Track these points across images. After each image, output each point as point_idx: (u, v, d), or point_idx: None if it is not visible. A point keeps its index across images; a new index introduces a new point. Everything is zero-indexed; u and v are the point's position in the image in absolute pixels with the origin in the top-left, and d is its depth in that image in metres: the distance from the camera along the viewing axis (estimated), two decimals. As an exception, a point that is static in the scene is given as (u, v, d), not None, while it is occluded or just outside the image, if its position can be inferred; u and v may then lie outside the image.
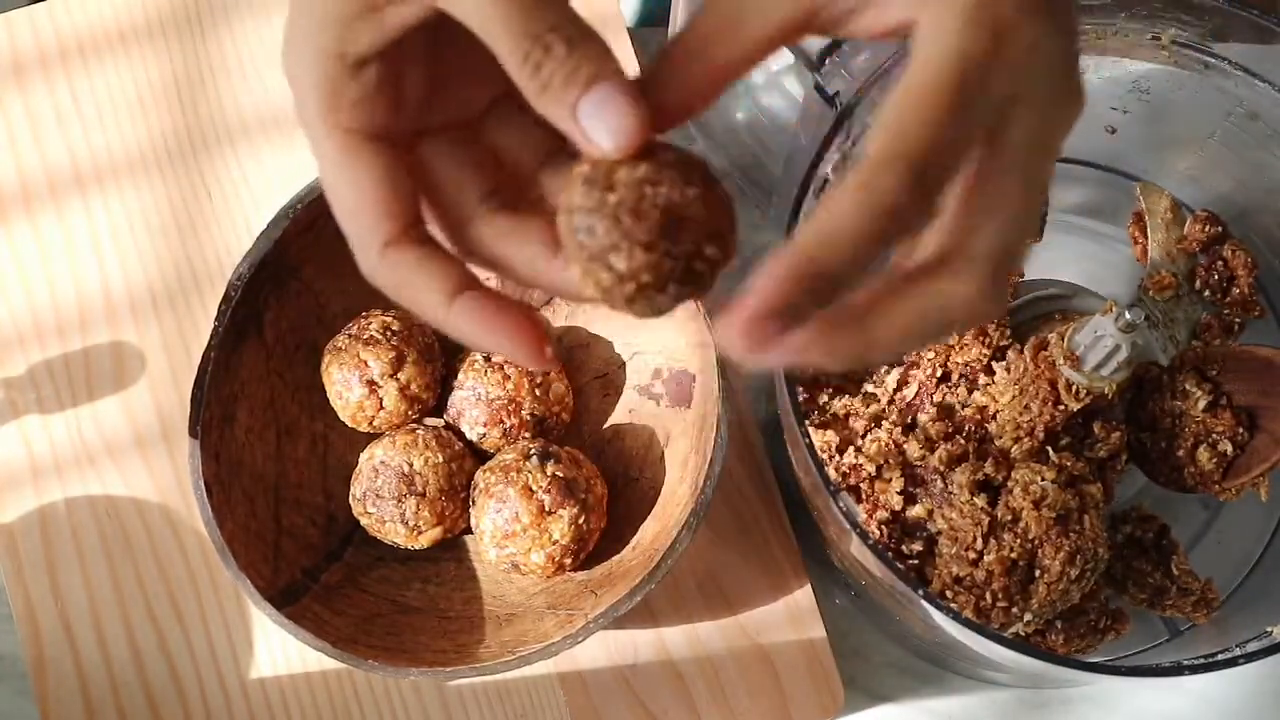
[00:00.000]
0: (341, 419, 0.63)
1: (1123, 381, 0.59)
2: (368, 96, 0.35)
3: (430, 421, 0.64)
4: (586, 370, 0.66)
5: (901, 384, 0.63)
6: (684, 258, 0.32)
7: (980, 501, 0.57)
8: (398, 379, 0.61)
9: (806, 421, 0.61)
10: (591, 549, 0.61)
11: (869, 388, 0.63)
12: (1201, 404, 0.59)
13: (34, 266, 0.69)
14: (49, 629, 0.65)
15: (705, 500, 0.57)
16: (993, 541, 0.56)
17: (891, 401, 0.62)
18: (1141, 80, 0.63)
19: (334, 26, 0.35)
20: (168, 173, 0.71)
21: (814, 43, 0.57)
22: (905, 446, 0.60)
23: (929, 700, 0.68)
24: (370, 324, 0.62)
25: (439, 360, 0.64)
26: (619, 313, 0.34)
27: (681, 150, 0.33)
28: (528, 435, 0.63)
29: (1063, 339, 0.59)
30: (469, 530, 0.62)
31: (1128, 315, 0.57)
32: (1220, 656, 0.52)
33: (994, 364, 0.61)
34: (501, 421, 0.62)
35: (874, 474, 0.60)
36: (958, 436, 0.60)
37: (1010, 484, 0.57)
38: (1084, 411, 0.60)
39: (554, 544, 0.59)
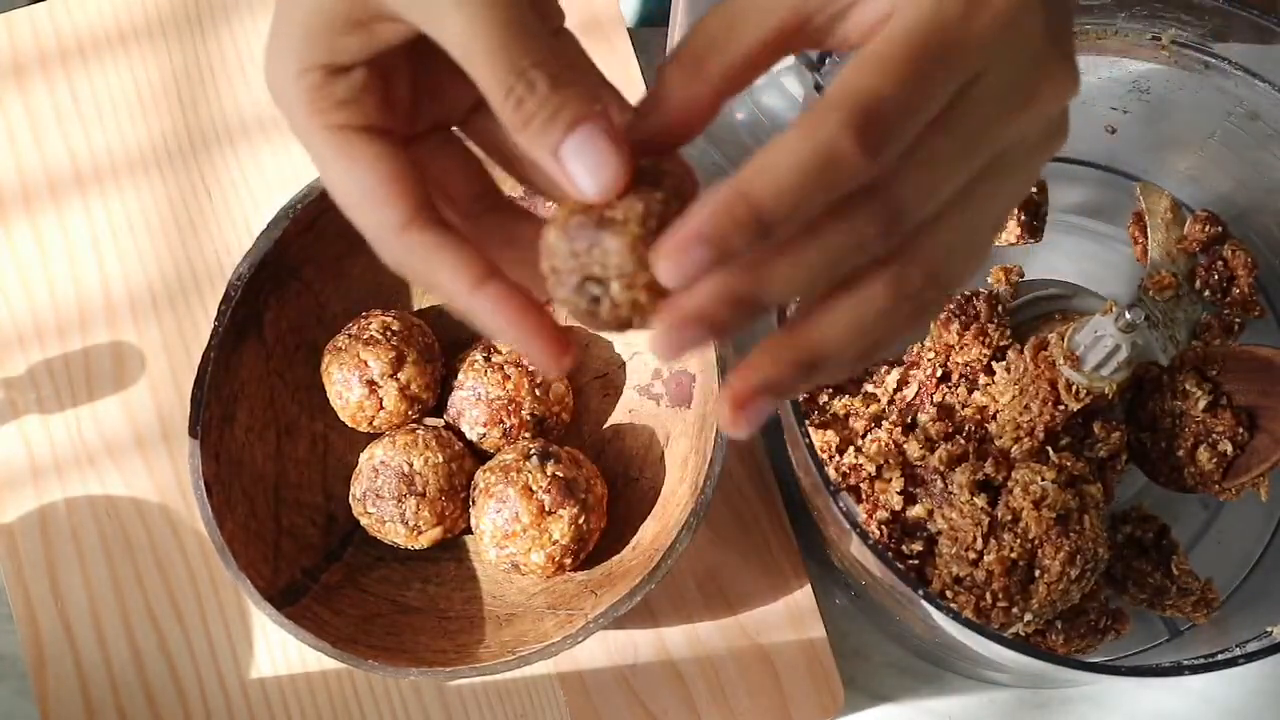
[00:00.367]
0: (341, 419, 0.63)
1: (1123, 381, 0.59)
2: (354, 97, 0.35)
3: (430, 421, 0.64)
4: (586, 370, 0.66)
5: (901, 384, 0.63)
6: (655, 291, 0.32)
7: (980, 501, 0.57)
8: (398, 379, 0.61)
9: (806, 421, 0.61)
10: (591, 549, 0.61)
11: (869, 388, 0.63)
12: (1201, 404, 0.59)
13: (34, 266, 0.69)
14: (49, 629, 0.65)
15: (705, 500, 0.57)
16: (993, 541, 0.56)
17: (891, 401, 0.62)
18: (1141, 80, 0.63)
19: (317, 38, 0.34)
20: (168, 173, 0.71)
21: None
22: (905, 446, 0.60)
23: (929, 700, 0.68)
24: (370, 324, 0.62)
25: (439, 360, 0.64)
26: None
27: (666, 164, 0.33)
28: (528, 435, 0.63)
29: (1063, 339, 0.59)
30: (469, 530, 0.62)
31: (1128, 315, 0.57)
32: (1220, 656, 0.52)
33: (994, 364, 0.61)
34: (501, 421, 0.62)
35: (874, 474, 0.60)
36: (958, 436, 0.60)
37: (1010, 484, 0.57)
38: (1084, 411, 0.60)
39: (554, 544, 0.59)
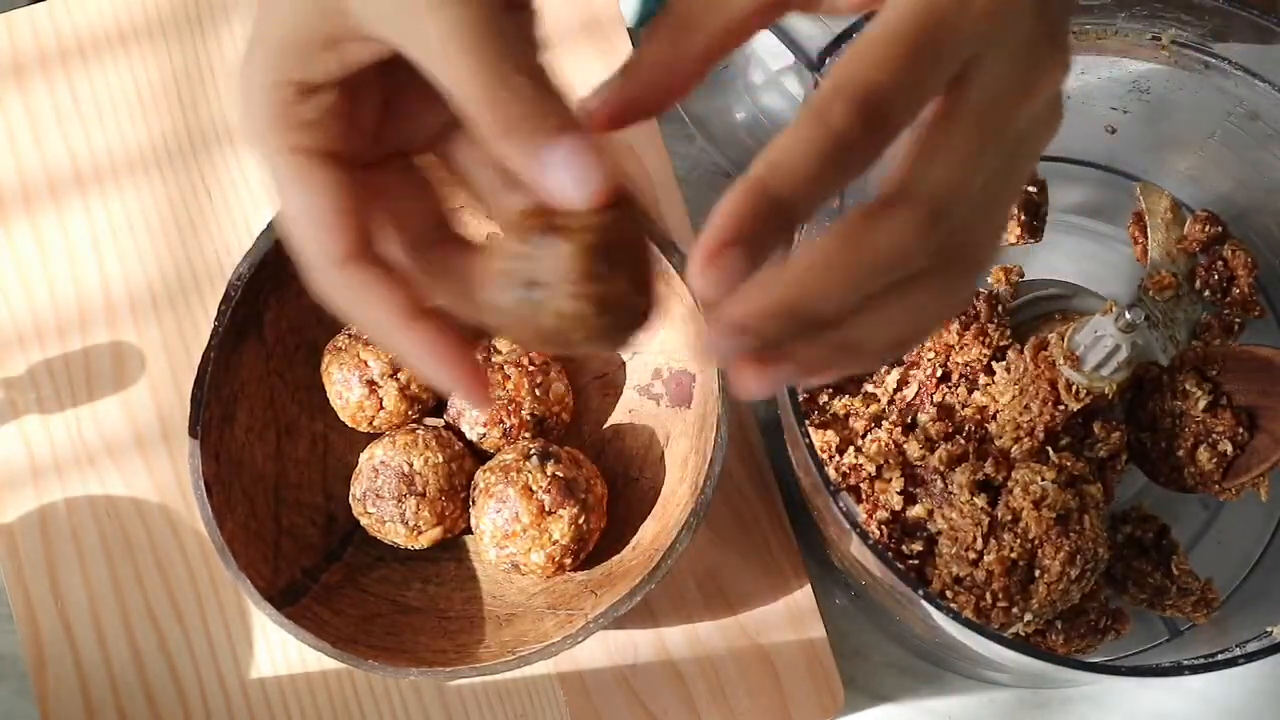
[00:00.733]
0: (341, 419, 0.63)
1: (1123, 381, 0.59)
2: (320, 119, 0.35)
3: (430, 421, 0.64)
4: (586, 370, 0.66)
5: (901, 384, 0.63)
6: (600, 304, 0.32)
7: (980, 501, 0.57)
8: (397, 379, 0.61)
9: (806, 421, 0.61)
10: (591, 549, 0.61)
11: (869, 388, 0.63)
12: (1201, 404, 0.59)
13: (34, 266, 0.69)
14: (49, 629, 0.65)
15: (705, 500, 0.57)
16: (993, 541, 0.56)
17: (891, 401, 0.62)
18: (1141, 80, 0.63)
19: (292, 55, 0.34)
20: (168, 173, 0.71)
21: (814, 43, 0.57)
22: (905, 446, 0.60)
23: (929, 700, 0.68)
24: (370, 324, 0.62)
25: (439, 360, 0.64)
26: None
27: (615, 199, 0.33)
28: (528, 435, 0.63)
29: (1063, 339, 0.59)
30: (469, 530, 0.62)
31: (1128, 315, 0.57)
32: (1220, 656, 0.52)
33: (994, 364, 0.61)
34: (501, 421, 0.62)
35: (874, 474, 0.60)
36: (958, 436, 0.60)
37: (1010, 484, 0.57)
38: (1084, 411, 0.60)
39: (554, 544, 0.59)
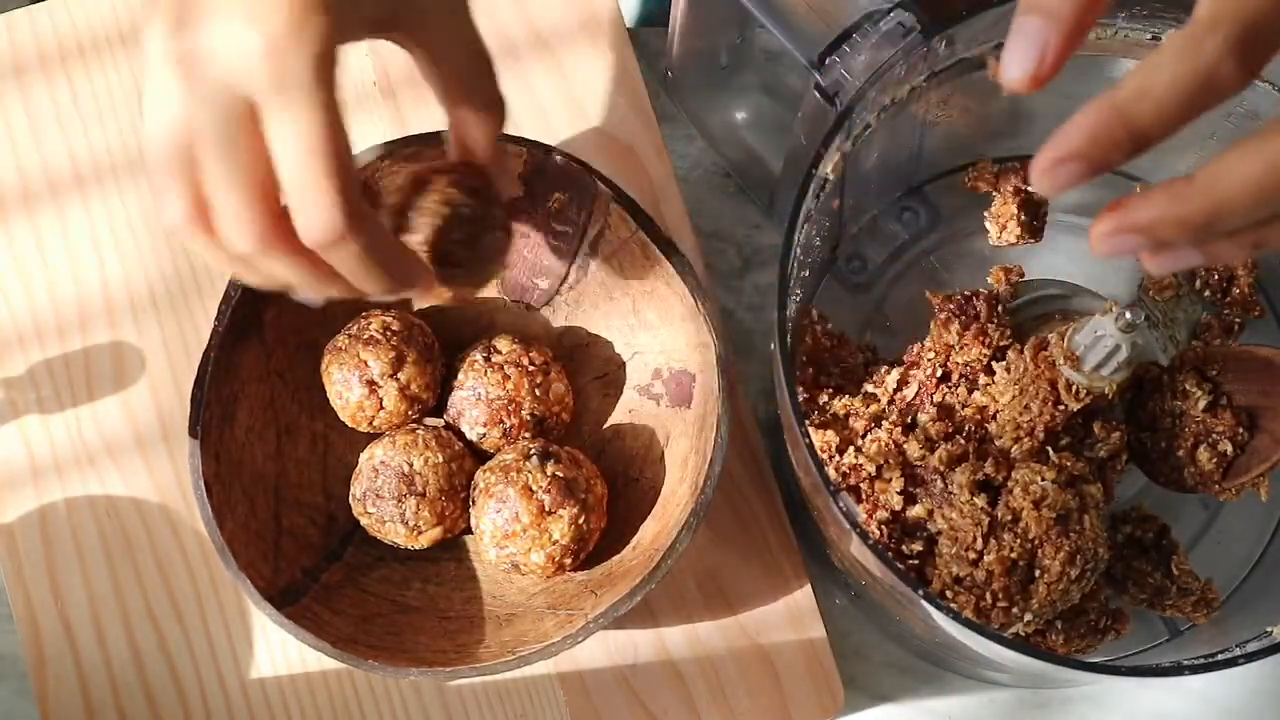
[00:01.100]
0: (341, 419, 0.63)
1: (1123, 381, 0.59)
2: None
3: (430, 421, 0.64)
4: (586, 370, 0.66)
5: (901, 384, 0.63)
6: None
7: (980, 501, 0.57)
8: (398, 379, 0.61)
9: (806, 421, 0.61)
10: (591, 549, 0.61)
11: (869, 388, 0.63)
12: (1201, 404, 0.59)
13: (34, 266, 0.69)
14: (49, 629, 0.65)
15: (705, 500, 0.57)
16: (993, 541, 0.56)
17: (891, 401, 0.62)
18: (1142, 80, 0.63)
19: (348, 24, 0.41)
20: (168, 173, 0.71)
21: (814, 42, 0.57)
22: (905, 446, 0.60)
23: (929, 700, 0.68)
24: (370, 324, 0.62)
25: (439, 360, 0.64)
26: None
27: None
28: (528, 435, 0.63)
29: (1063, 339, 0.59)
30: (469, 530, 0.62)
31: (1128, 315, 0.56)
32: (1220, 656, 0.52)
33: (994, 364, 0.61)
34: (501, 421, 0.62)
35: (874, 474, 0.60)
36: (958, 436, 0.60)
37: (1010, 484, 0.57)
38: (1084, 411, 0.60)
39: (554, 544, 0.59)
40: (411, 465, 0.60)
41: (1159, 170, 0.68)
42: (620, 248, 0.63)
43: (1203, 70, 0.30)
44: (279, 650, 0.65)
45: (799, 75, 0.58)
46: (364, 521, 0.62)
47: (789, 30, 0.57)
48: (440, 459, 0.61)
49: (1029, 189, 0.62)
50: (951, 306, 0.61)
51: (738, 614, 0.66)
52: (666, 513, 0.61)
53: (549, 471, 0.59)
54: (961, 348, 0.61)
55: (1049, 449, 0.58)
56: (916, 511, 0.59)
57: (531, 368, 0.63)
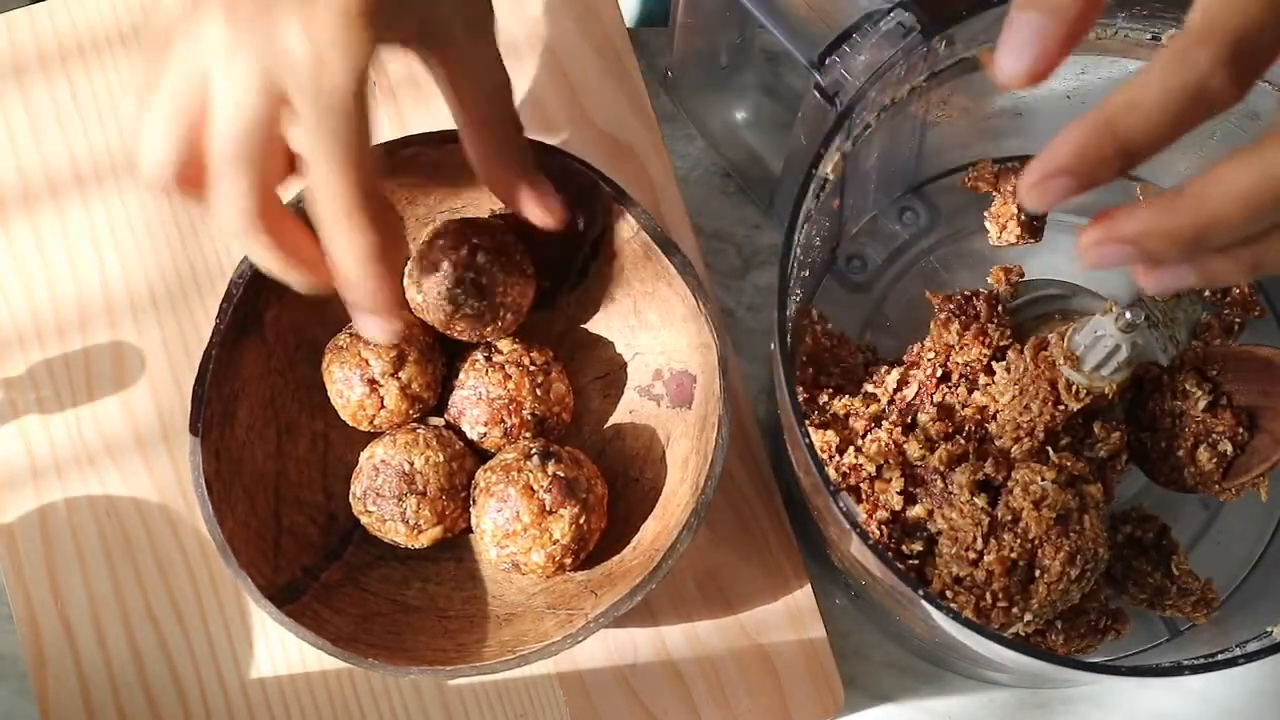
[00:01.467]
0: (342, 418, 0.63)
1: (1123, 381, 0.59)
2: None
3: (431, 421, 0.64)
4: (587, 371, 0.66)
5: (901, 384, 0.63)
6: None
7: (980, 501, 0.57)
8: (399, 378, 0.61)
9: (806, 421, 0.61)
10: (592, 549, 0.61)
11: (869, 388, 0.63)
12: (1201, 404, 0.59)
13: (34, 266, 0.69)
14: (49, 629, 0.65)
15: (706, 501, 0.57)
16: (993, 541, 0.56)
17: (891, 401, 0.62)
18: (1142, 80, 0.63)
19: (382, 30, 0.42)
20: (168, 172, 0.71)
21: (814, 43, 0.57)
22: (905, 446, 0.60)
23: (929, 700, 0.68)
24: (371, 324, 0.62)
25: (440, 359, 0.64)
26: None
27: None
28: (528, 435, 0.63)
29: (1063, 339, 0.59)
30: (469, 530, 0.62)
31: (1128, 315, 0.57)
32: (1220, 656, 0.52)
33: (994, 364, 0.61)
34: (502, 421, 0.62)
35: (874, 474, 0.60)
36: (958, 436, 0.60)
37: (1010, 484, 0.57)
38: (1084, 411, 0.60)
39: (554, 544, 0.59)
40: (412, 464, 0.60)
41: (1160, 170, 0.68)
42: (621, 248, 0.63)
43: (1193, 84, 0.29)
44: (279, 650, 0.65)
45: (799, 75, 0.58)
46: (364, 520, 0.62)
47: (789, 30, 0.57)
48: (441, 458, 0.61)
49: None
50: (951, 306, 0.61)
51: (738, 614, 0.66)
52: (667, 513, 0.61)
53: (550, 471, 0.59)
54: (961, 348, 0.61)
55: (1049, 449, 0.58)
56: (916, 511, 0.59)
57: (533, 368, 0.63)
